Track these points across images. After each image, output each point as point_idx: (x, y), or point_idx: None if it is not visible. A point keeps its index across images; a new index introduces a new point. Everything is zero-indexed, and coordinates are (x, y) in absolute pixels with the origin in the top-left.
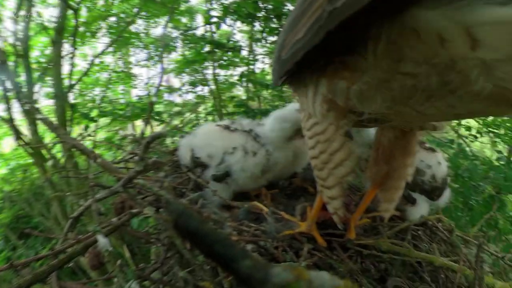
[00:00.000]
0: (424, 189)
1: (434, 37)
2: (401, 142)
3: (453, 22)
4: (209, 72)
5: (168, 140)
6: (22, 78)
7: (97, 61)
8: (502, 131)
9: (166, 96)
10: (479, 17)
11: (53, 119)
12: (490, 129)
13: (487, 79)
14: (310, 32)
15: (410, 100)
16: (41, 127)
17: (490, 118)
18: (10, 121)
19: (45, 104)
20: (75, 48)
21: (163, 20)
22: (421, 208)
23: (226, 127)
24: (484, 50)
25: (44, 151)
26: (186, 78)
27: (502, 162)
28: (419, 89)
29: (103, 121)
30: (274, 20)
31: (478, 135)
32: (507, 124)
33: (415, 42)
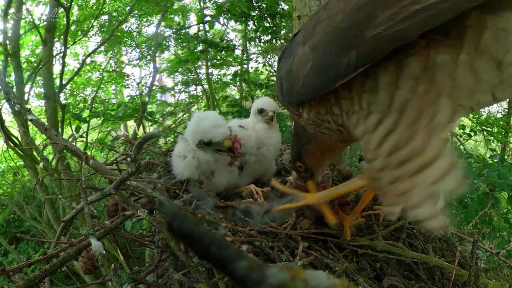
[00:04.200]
0: None
1: None
2: None
3: None
4: (202, 71)
5: (161, 141)
6: (12, 77)
7: (88, 60)
8: (495, 130)
9: (158, 96)
10: None
11: (44, 120)
12: (483, 127)
13: None
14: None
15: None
16: (32, 128)
17: (484, 117)
18: None
19: (36, 104)
20: (66, 47)
21: (155, 19)
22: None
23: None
24: None
25: (35, 153)
26: (179, 77)
27: (495, 160)
28: None
29: (95, 121)
30: (268, 19)
31: (472, 134)
32: (500, 123)
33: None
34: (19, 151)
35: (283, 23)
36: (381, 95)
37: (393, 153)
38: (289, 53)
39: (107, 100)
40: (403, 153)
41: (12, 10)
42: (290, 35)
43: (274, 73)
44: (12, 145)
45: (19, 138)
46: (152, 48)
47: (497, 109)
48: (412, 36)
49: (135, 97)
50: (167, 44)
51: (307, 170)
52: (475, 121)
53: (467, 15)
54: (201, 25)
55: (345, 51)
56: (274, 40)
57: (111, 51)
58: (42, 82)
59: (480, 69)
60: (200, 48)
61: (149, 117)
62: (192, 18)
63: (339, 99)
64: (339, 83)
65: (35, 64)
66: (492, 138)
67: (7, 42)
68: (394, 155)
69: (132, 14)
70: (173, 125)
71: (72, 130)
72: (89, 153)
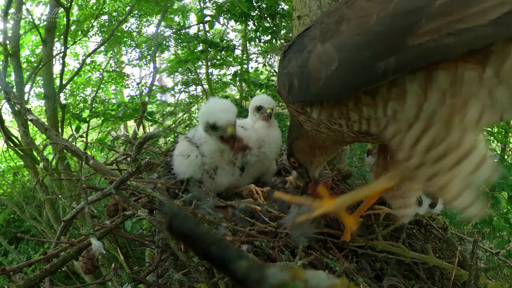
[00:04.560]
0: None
1: None
2: None
3: None
4: (202, 71)
5: (161, 141)
6: (12, 77)
7: (88, 60)
8: (495, 129)
9: (158, 96)
10: None
11: (44, 120)
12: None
13: None
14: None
15: None
16: (32, 128)
17: None
18: None
19: (36, 104)
20: (66, 47)
21: (155, 19)
22: (422, 210)
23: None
24: None
25: (35, 153)
26: (179, 77)
27: (495, 160)
28: None
29: (95, 121)
30: (268, 19)
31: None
32: (500, 123)
33: None
34: (19, 151)
35: (283, 23)
36: (408, 104)
37: (430, 150)
38: (301, 48)
39: (107, 100)
40: (440, 148)
41: (12, 10)
42: (290, 35)
43: (274, 73)
44: (12, 145)
45: (19, 138)
46: (152, 48)
47: None
48: (454, 53)
49: (135, 97)
50: (167, 44)
51: (300, 165)
52: None
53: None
54: (201, 25)
55: (383, 56)
56: (274, 40)
57: (111, 51)
58: (42, 82)
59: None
60: (200, 48)
61: (149, 117)
62: (192, 18)
63: (359, 104)
64: (371, 86)
65: (35, 64)
66: (492, 138)
67: (7, 42)
68: (431, 152)
69: (132, 14)
70: (173, 125)
71: (72, 130)
72: (89, 153)
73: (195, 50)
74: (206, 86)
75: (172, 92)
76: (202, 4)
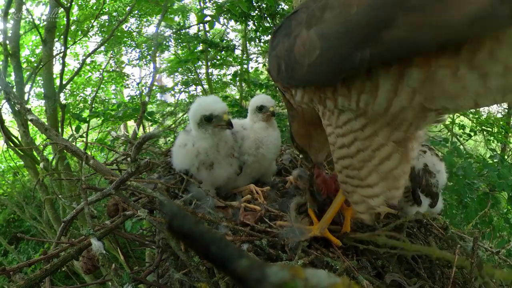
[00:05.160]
0: (431, 191)
1: None
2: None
3: None
4: (202, 71)
5: (161, 141)
6: (12, 77)
7: (88, 60)
8: (495, 130)
9: (158, 96)
10: None
11: (44, 120)
12: (483, 127)
13: None
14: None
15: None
16: (32, 128)
17: (484, 117)
18: None
19: (36, 104)
20: (66, 47)
21: (155, 19)
22: (421, 210)
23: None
24: None
25: (35, 153)
26: (179, 77)
27: (495, 160)
28: None
29: (95, 121)
30: (268, 19)
31: (472, 134)
32: (500, 123)
33: None
34: (19, 151)
35: None
36: (380, 98)
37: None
38: (289, 32)
39: (107, 100)
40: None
41: (12, 10)
42: None
43: None
44: (12, 145)
45: (19, 138)
46: (152, 48)
47: (497, 109)
48: (429, 47)
49: (135, 97)
50: (167, 44)
51: (301, 151)
52: (475, 121)
53: None
54: (201, 25)
55: (359, 47)
56: None
57: (111, 51)
58: (42, 82)
59: (468, 81)
60: (200, 48)
61: (149, 117)
62: (192, 18)
63: (336, 95)
64: (347, 75)
65: (35, 64)
66: (492, 138)
67: (7, 42)
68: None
69: (132, 14)
70: (173, 125)
71: (72, 130)
72: (89, 153)
73: (195, 50)
74: (206, 86)
75: (172, 92)
76: (202, 4)
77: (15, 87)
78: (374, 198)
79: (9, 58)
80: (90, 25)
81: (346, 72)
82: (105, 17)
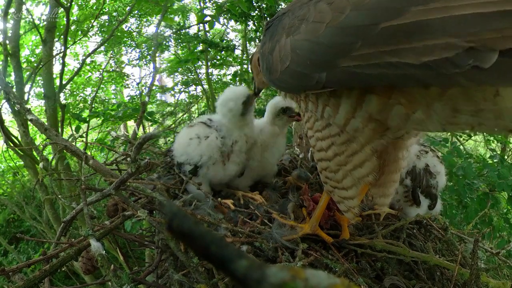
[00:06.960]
0: (431, 193)
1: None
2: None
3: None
4: (202, 71)
5: (161, 141)
6: (12, 77)
7: (88, 60)
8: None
9: (158, 96)
10: None
11: (44, 120)
12: None
13: None
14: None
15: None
16: (32, 128)
17: None
18: None
19: (36, 104)
20: (66, 47)
21: (155, 19)
22: (421, 211)
23: (191, 125)
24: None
25: (35, 153)
26: (179, 77)
27: (495, 160)
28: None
29: (95, 121)
30: (268, 19)
31: (471, 134)
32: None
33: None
34: (19, 151)
35: None
36: (340, 116)
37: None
38: (274, 34)
39: (107, 100)
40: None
41: (12, 10)
42: None
43: None
44: (12, 145)
45: (19, 138)
46: (152, 48)
47: None
48: (377, 84)
49: (135, 97)
50: (167, 44)
51: (252, 78)
52: None
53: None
54: (201, 25)
55: (318, 69)
56: None
57: (111, 51)
58: (42, 82)
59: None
60: (200, 48)
61: (149, 117)
62: (192, 18)
63: (307, 100)
64: (309, 92)
65: (35, 64)
66: (492, 138)
67: (7, 42)
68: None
69: (132, 14)
70: (173, 125)
71: (72, 130)
72: (89, 153)
73: (195, 50)
74: (206, 86)
75: (172, 92)
76: (202, 4)
77: (15, 87)
78: (349, 200)
79: (9, 58)
80: (90, 25)
81: (308, 88)
82: (105, 17)
